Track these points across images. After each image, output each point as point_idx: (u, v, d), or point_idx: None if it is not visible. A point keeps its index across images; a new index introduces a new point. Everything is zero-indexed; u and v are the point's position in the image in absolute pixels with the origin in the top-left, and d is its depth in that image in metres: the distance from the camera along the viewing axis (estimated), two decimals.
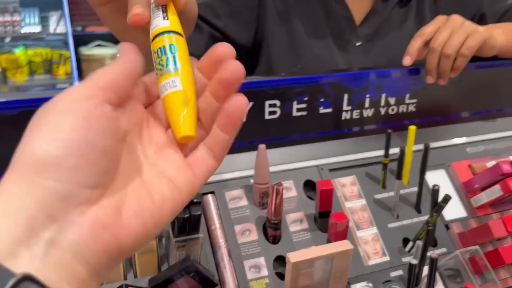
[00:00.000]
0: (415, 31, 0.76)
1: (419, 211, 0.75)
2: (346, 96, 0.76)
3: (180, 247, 0.59)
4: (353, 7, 0.92)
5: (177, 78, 0.31)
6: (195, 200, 0.58)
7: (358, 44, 0.93)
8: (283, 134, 0.75)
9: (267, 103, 0.72)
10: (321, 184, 0.67)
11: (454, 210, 0.76)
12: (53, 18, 2.66)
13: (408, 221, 0.73)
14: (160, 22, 0.34)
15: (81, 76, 2.80)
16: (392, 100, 0.79)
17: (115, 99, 0.28)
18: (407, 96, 0.80)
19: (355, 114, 0.78)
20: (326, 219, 0.69)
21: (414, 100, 0.81)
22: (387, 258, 0.69)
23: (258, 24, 0.92)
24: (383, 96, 0.78)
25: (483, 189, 0.76)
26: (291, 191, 0.72)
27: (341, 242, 0.61)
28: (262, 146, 0.67)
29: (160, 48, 0.32)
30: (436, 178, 0.78)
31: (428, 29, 0.73)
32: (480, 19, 0.95)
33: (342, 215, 0.65)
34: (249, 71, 0.97)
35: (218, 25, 0.87)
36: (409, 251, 0.71)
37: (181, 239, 0.58)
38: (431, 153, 0.79)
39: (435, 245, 0.72)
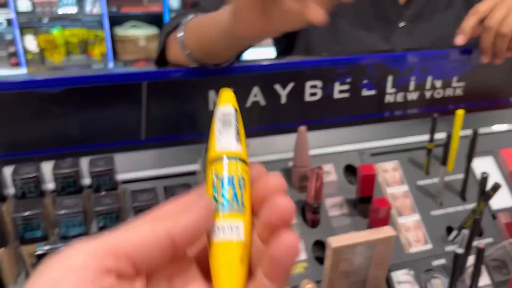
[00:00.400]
0: (463, 14, 0.72)
1: (464, 199, 0.72)
2: (390, 78, 0.73)
3: None
4: None
5: (241, 225, 0.25)
6: None
7: (401, 25, 0.89)
8: (323, 116, 0.73)
9: (308, 84, 0.70)
10: (363, 169, 0.65)
11: (501, 199, 0.73)
12: None
13: (452, 209, 0.71)
14: (232, 142, 0.27)
15: (115, 57, 2.83)
16: (438, 83, 0.76)
17: (127, 269, 0.23)
18: (455, 79, 0.76)
19: (399, 97, 0.75)
20: (367, 205, 0.67)
21: (462, 84, 0.77)
22: (429, 246, 0.67)
23: None
24: (429, 78, 0.75)
25: None
26: (331, 175, 0.70)
27: (383, 228, 0.59)
28: (302, 128, 0.65)
29: (228, 177, 0.26)
30: (483, 165, 0.75)
31: (483, 7, 0.68)
32: None
33: (384, 201, 0.63)
34: (286, 53, 0.94)
35: None
36: (452, 240, 0.68)
37: None
38: (478, 140, 0.76)
39: (480, 234, 0.70)
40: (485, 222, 0.70)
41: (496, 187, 0.62)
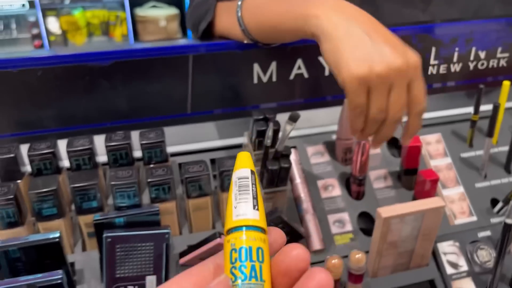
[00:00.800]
0: None
1: (509, 171, 0.71)
2: (434, 49, 0.72)
3: (268, 198, 0.60)
4: None
5: None
6: (284, 153, 0.57)
7: None
8: None
9: None
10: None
11: None
12: None
13: (497, 181, 0.70)
14: (249, 210, 0.25)
15: (136, 38, 2.83)
16: (482, 54, 0.75)
17: None
18: (499, 49, 0.75)
19: (442, 68, 0.74)
20: (411, 177, 0.67)
21: (506, 55, 0.76)
22: (474, 218, 0.67)
23: None
24: (473, 49, 0.74)
25: None
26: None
27: (432, 199, 0.59)
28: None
29: (245, 248, 0.24)
30: None
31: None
32: None
33: (432, 172, 0.63)
34: None
35: None
36: (498, 212, 0.68)
37: (270, 190, 0.58)
38: None
39: None
40: None
41: None
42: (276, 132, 0.57)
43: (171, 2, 2.78)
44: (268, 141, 0.56)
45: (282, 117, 0.65)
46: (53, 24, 2.77)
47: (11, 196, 0.52)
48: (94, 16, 2.78)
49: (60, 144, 0.58)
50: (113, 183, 0.54)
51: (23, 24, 2.84)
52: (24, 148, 0.57)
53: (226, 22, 0.63)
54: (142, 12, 2.79)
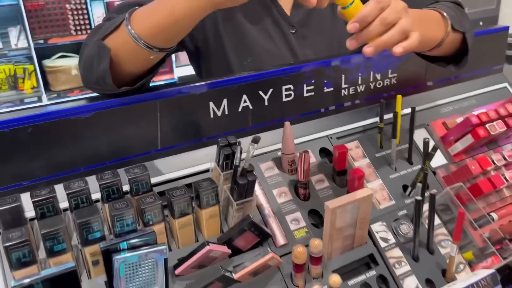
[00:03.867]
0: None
1: (411, 163, 0.92)
2: (343, 76, 0.92)
3: (239, 209, 0.73)
4: (280, 1, 1.02)
5: None
6: (249, 169, 0.71)
7: (292, 31, 1.03)
8: (298, 112, 0.90)
9: (283, 87, 0.87)
10: (337, 148, 0.83)
11: (437, 160, 0.95)
12: (13, 33, 2.65)
13: (404, 172, 0.91)
14: None
15: (48, 88, 2.80)
16: (378, 76, 0.96)
17: None
18: (390, 71, 0.98)
19: (351, 90, 0.94)
20: (343, 177, 0.85)
21: (395, 74, 0.99)
22: (393, 202, 0.87)
23: (208, 28, 1.00)
24: (371, 73, 0.95)
25: (457, 140, 0.95)
26: (311, 158, 0.87)
27: (362, 190, 0.77)
28: (287, 123, 0.81)
29: None
30: (420, 135, 0.96)
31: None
32: None
33: (359, 170, 0.81)
34: (201, 72, 1.07)
35: None
36: (409, 195, 0.88)
37: (240, 202, 0.72)
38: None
39: (427, 187, 0.90)
40: (428, 178, 0.91)
41: (436, 148, 0.83)
42: (240, 153, 0.71)
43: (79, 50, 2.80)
44: (237, 161, 0.70)
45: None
46: None
47: (26, 238, 0.59)
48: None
49: (58, 188, 0.66)
50: (113, 214, 0.64)
51: None
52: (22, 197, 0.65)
53: (118, 45, 0.70)
54: (51, 62, 2.78)
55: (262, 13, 1.01)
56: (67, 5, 2.72)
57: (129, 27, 0.68)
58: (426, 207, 0.87)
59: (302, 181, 0.81)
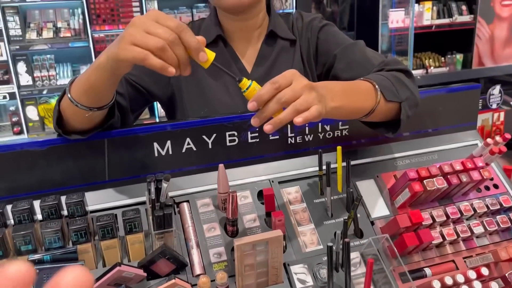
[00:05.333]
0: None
1: (349, 211, 0.96)
2: (289, 126, 1.00)
3: (159, 238, 0.83)
4: (243, 56, 1.12)
5: None
6: (168, 203, 0.82)
7: None
8: (241, 156, 0.99)
9: (227, 133, 0.96)
10: (265, 191, 0.90)
11: (379, 210, 0.97)
12: (83, 70, 3.06)
13: (340, 219, 0.95)
14: None
15: None
16: (327, 127, 1.03)
17: None
18: (340, 123, 1.03)
19: (299, 139, 1.01)
20: (270, 218, 0.91)
21: (346, 127, 1.04)
22: (320, 247, 0.91)
23: (173, 82, 1.11)
24: (319, 124, 1.02)
25: (401, 191, 0.97)
26: (247, 198, 0.95)
27: (274, 231, 0.83)
28: (221, 165, 0.91)
29: None
30: (366, 186, 1.00)
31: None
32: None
33: (280, 213, 0.88)
34: (170, 117, 1.17)
35: (139, 82, 1.05)
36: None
37: (159, 232, 0.82)
38: (364, 167, 1.01)
39: (361, 236, 0.93)
40: (365, 227, 0.94)
41: (358, 198, 0.87)
42: (159, 190, 0.82)
43: None
44: (152, 196, 0.81)
45: (180, 180, 0.91)
46: (32, 112, 3.09)
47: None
48: None
49: (8, 207, 0.82)
50: (42, 231, 0.78)
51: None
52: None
53: (65, 105, 0.83)
54: None
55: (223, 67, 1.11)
56: None
57: (67, 89, 0.83)
58: (356, 254, 0.91)
59: (230, 218, 0.89)
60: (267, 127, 0.72)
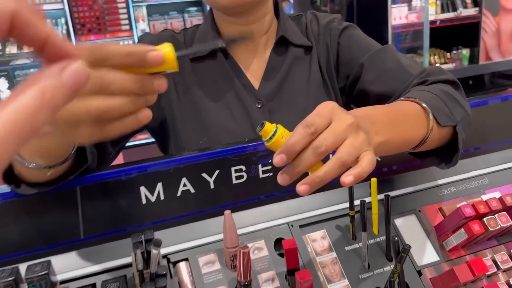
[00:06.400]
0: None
1: (390, 259, 0.77)
2: None
3: None
4: (247, 68, 0.93)
5: None
6: (160, 273, 0.62)
7: (259, 106, 0.93)
8: (252, 196, 0.79)
9: (233, 169, 0.77)
10: (285, 244, 0.70)
11: (426, 255, 0.78)
12: None
13: (379, 270, 0.75)
14: None
15: None
16: None
17: None
18: None
19: None
20: (294, 277, 0.72)
21: None
22: None
23: (164, 106, 0.93)
24: None
25: (453, 231, 0.78)
26: (262, 250, 0.76)
27: None
28: (227, 212, 0.71)
29: None
30: (407, 223, 0.81)
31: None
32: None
33: (307, 273, 0.68)
34: (162, 148, 0.99)
35: None
36: None
37: None
38: (402, 199, 0.82)
39: None
40: (411, 279, 0.74)
41: (406, 249, 0.68)
42: (148, 253, 0.63)
43: None
44: (140, 266, 0.61)
45: (175, 232, 0.71)
46: None
47: None
48: None
49: None
50: None
51: None
52: None
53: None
54: None
55: (224, 87, 0.93)
56: None
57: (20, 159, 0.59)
58: None
59: (242, 281, 0.69)
60: (301, 188, 0.52)
